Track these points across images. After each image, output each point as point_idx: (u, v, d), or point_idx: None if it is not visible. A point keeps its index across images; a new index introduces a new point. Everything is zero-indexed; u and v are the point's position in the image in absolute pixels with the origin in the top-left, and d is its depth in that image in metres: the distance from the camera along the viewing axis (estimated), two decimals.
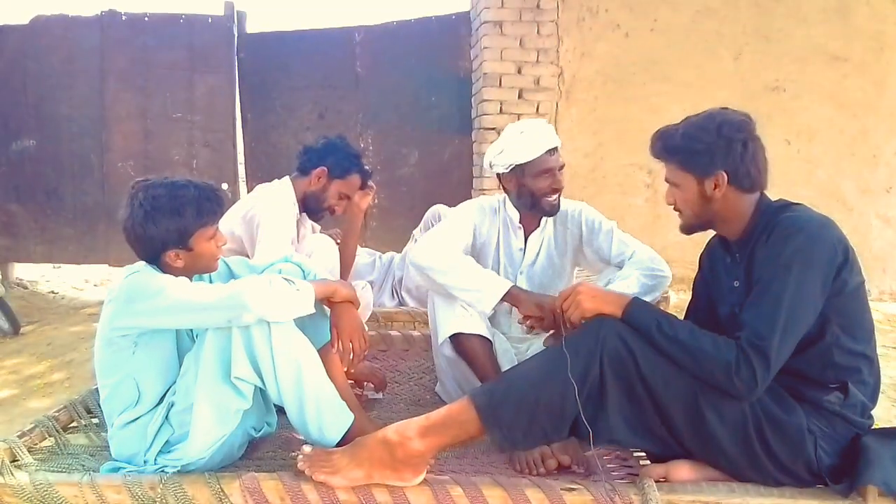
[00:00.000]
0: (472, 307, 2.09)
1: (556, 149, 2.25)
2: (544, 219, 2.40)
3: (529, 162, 2.22)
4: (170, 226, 1.73)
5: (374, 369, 2.47)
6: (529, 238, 2.40)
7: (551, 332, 1.93)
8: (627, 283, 2.14)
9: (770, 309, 1.53)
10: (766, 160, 1.70)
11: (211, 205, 1.79)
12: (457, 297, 2.10)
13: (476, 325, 2.11)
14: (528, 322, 2.02)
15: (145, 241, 1.76)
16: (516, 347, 2.33)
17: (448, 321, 2.12)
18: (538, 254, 2.42)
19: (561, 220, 2.40)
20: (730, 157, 1.65)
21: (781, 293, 1.53)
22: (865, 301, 1.65)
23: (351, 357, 1.93)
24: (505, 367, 2.18)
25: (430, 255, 2.14)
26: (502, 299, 2.05)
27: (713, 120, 1.67)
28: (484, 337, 2.12)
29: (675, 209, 1.78)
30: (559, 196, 2.30)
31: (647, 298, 2.04)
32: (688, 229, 1.80)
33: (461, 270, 2.09)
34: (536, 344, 2.27)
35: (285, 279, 1.76)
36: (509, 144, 2.24)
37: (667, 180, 1.77)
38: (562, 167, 2.28)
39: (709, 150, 1.65)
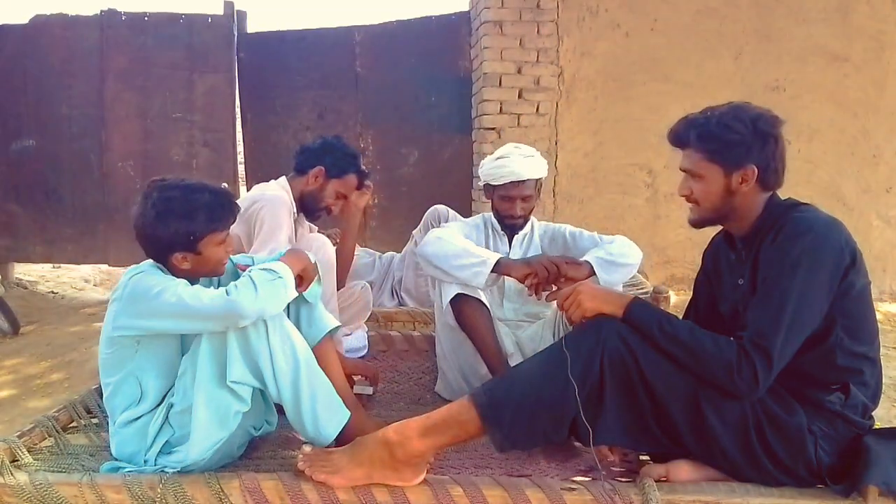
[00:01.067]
0: (469, 283, 2.23)
1: (523, 182, 2.46)
2: (528, 227, 2.62)
3: (495, 186, 2.50)
4: (180, 228, 1.72)
5: (364, 364, 2.48)
6: (513, 241, 2.61)
7: (550, 291, 2.08)
8: (600, 252, 2.32)
9: (775, 309, 1.53)
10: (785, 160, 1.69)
11: (223, 211, 1.79)
12: (456, 277, 2.24)
13: (477, 293, 2.25)
14: (527, 284, 2.19)
15: (154, 241, 1.76)
16: (514, 333, 2.45)
17: (450, 288, 2.26)
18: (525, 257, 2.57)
19: (549, 236, 2.63)
20: (763, 152, 1.64)
21: (787, 293, 1.52)
22: (870, 303, 1.65)
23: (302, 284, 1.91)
24: (507, 348, 2.32)
25: (432, 244, 2.33)
26: (493, 270, 2.21)
27: (746, 112, 1.65)
28: (484, 304, 2.25)
29: (689, 200, 1.75)
30: (523, 219, 2.55)
31: (617, 268, 2.28)
32: (700, 223, 1.77)
33: (457, 251, 2.26)
34: (533, 328, 2.45)
35: (263, 269, 1.75)
36: (485, 165, 2.53)
37: (686, 170, 1.72)
38: (527, 197, 2.50)
39: (744, 143, 1.63)
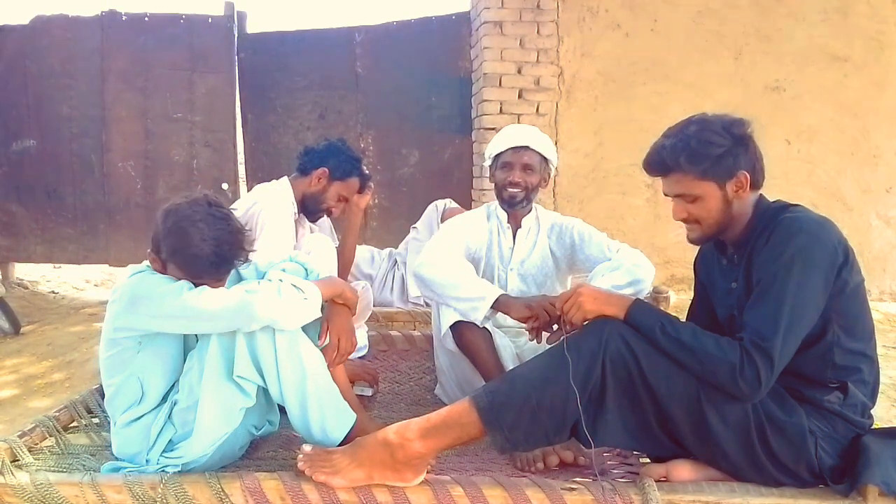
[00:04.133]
0: (466, 317, 2.16)
1: (524, 147, 2.43)
2: (532, 219, 2.55)
3: (498, 155, 2.48)
4: (188, 260, 1.70)
5: (364, 366, 2.48)
6: (517, 235, 2.54)
7: (551, 334, 1.94)
8: (615, 276, 2.23)
9: (772, 310, 1.53)
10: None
11: (227, 269, 1.77)
12: (453, 308, 2.18)
13: None
14: (527, 327, 2.05)
15: (160, 241, 1.73)
16: (515, 342, 2.39)
17: (450, 313, 2.19)
18: (530, 254, 2.53)
19: (557, 233, 2.55)
20: (748, 155, 1.65)
21: (783, 294, 1.53)
22: (865, 300, 1.65)
23: (335, 356, 1.89)
24: (506, 361, 2.23)
25: (430, 269, 2.24)
26: (492, 307, 2.11)
27: (715, 123, 1.65)
28: (485, 328, 2.18)
29: (687, 222, 1.73)
30: (520, 191, 2.45)
31: (631, 290, 2.16)
32: (703, 240, 1.77)
33: (455, 283, 2.17)
34: (535, 342, 2.31)
35: (294, 286, 1.74)
36: (491, 140, 2.54)
37: (679, 195, 1.71)
38: (526, 166, 2.44)
39: (731, 153, 1.63)
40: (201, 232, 1.69)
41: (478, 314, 2.11)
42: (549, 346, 1.77)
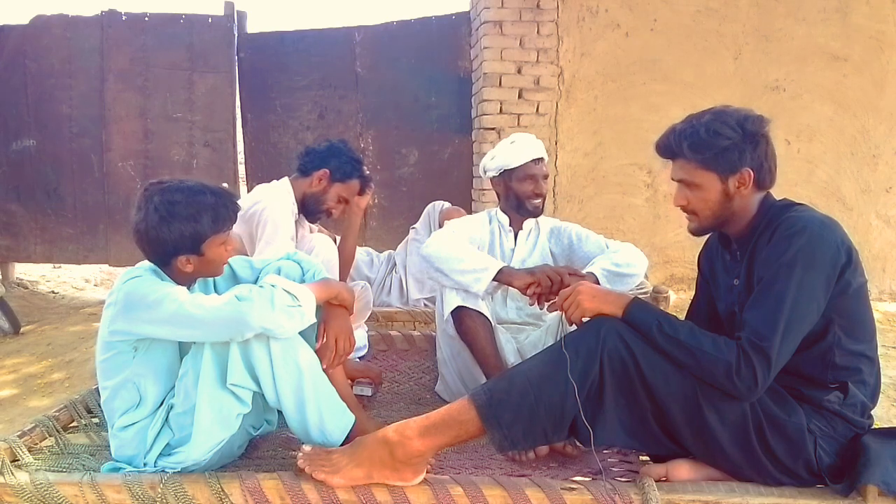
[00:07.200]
0: (469, 289, 2.20)
1: (541, 159, 2.52)
2: (533, 222, 2.62)
3: (516, 168, 2.49)
4: (185, 231, 1.70)
5: (367, 365, 2.48)
6: (518, 237, 2.59)
7: (553, 301, 2.03)
8: (615, 256, 2.33)
9: (772, 309, 1.53)
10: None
11: (227, 211, 1.77)
12: (457, 281, 2.22)
13: (478, 305, 2.22)
14: (529, 293, 2.15)
15: (157, 245, 1.73)
16: (516, 337, 2.43)
17: (452, 298, 2.23)
18: (531, 254, 2.57)
19: (556, 235, 2.61)
20: (756, 153, 1.64)
21: (784, 293, 1.52)
22: (867, 302, 1.65)
23: (332, 357, 1.88)
24: (507, 356, 2.28)
25: (436, 246, 2.32)
26: (495, 278, 2.19)
27: (731, 116, 1.65)
28: (485, 316, 2.21)
29: (686, 210, 1.74)
30: (542, 200, 2.55)
31: (628, 271, 2.27)
32: (701, 231, 1.77)
33: (459, 256, 2.24)
34: (535, 334, 2.42)
35: (287, 292, 1.71)
36: (501, 151, 2.54)
37: (681, 181, 1.72)
38: (545, 176, 2.54)
39: (737, 147, 1.63)
40: (186, 191, 1.72)
41: (480, 285, 2.17)
42: (548, 346, 1.78)
